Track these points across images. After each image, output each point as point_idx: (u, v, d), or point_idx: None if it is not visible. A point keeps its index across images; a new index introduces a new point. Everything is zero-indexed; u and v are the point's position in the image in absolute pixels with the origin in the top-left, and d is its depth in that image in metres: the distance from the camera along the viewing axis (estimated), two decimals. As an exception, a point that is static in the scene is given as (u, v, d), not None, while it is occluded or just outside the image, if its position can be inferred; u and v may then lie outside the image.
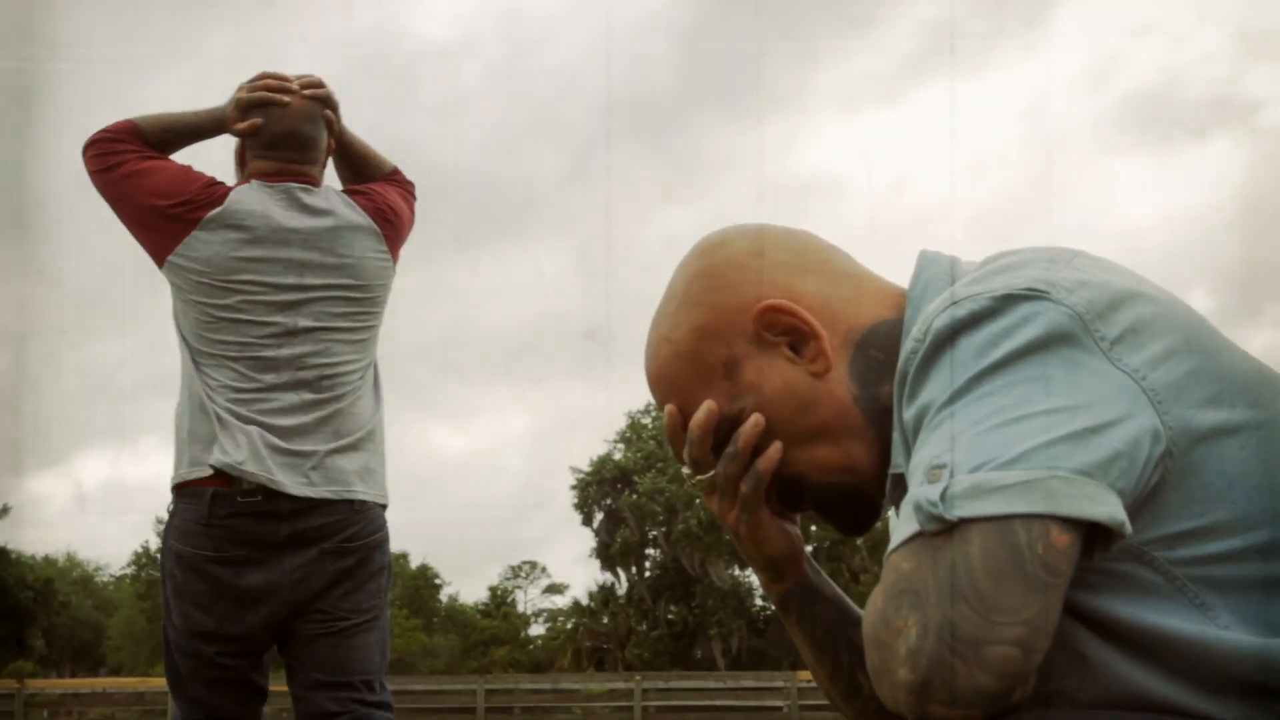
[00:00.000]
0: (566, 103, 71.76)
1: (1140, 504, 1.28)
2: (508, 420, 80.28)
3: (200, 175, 3.44)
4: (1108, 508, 1.22)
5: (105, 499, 76.57)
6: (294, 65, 3.57)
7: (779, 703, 23.79)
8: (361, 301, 3.46)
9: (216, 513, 3.27)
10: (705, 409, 1.55)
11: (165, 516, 3.42)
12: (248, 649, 3.35)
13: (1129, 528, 1.24)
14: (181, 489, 3.36)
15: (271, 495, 3.27)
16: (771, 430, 1.54)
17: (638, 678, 25.14)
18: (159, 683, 26.30)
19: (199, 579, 3.30)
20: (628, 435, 47.16)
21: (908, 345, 1.37)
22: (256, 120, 3.47)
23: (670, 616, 44.42)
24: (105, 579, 63.78)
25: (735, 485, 1.57)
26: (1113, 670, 1.31)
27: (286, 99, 3.46)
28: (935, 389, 1.32)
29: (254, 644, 3.36)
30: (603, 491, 45.82)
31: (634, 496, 44.11)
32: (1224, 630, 1.28)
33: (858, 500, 1.57)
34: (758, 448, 1.54)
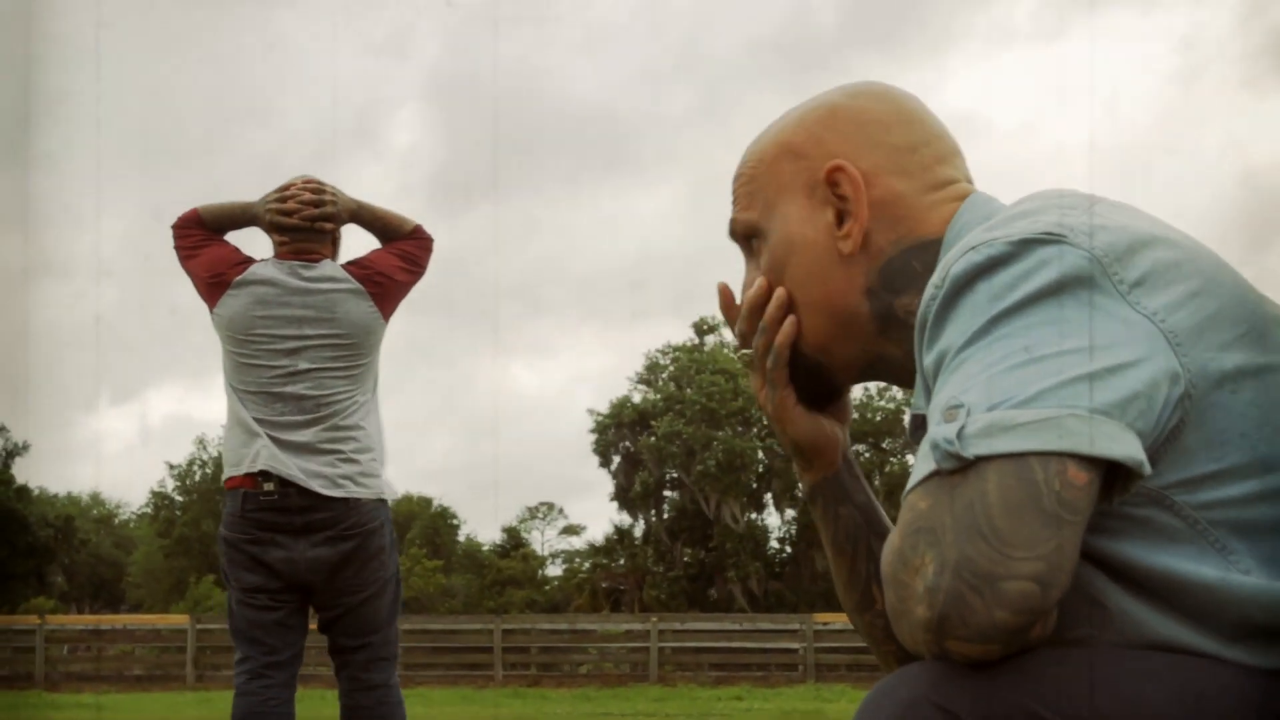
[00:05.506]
0: (713, 40, 71.19)
1: (1160, 447, 1.27)
2: (584, 360, 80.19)
3: (236, 253, 4.59)
4: (1126, 447, 1.22)
5: (169, 436, 77.22)
6: None
7: (795, 645, 23.87)
8: (350, 347, 4.54)
9: (248, 508, 4.41)
10: (756, 288, 1.62)
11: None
12: (283, 600, 4.47)
13: (1148, 467, 1.24)
14: (227, 490, 4.48)
15: (286, 494, 4.38)
16: (779, 276, 1.61)
17: (654, 619, 25.23)
18: (178, 619, 26.55)
19: (240, 555, 4.44)
20: (647, 377, 47.15)
21: (927, 291, 1.37)
22: (274, 219, 4.57)
23: (687, 558, 44.53)
24: (126, 517, 64.17)
25: (763, 360, 1.64)
26: (1133, 617, 1.30)
27: (292, 207, 4.55)
28: (954, 333, 1.32)
29: (288, 596, 4.47)
30: (620, 434, 45.86)
31: (651, 439, 44.15)
32: (1245, 575, 1.27)
33: (820, 380, 1.65)
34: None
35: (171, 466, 54.43)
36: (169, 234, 4.60)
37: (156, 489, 54.46)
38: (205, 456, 53.41)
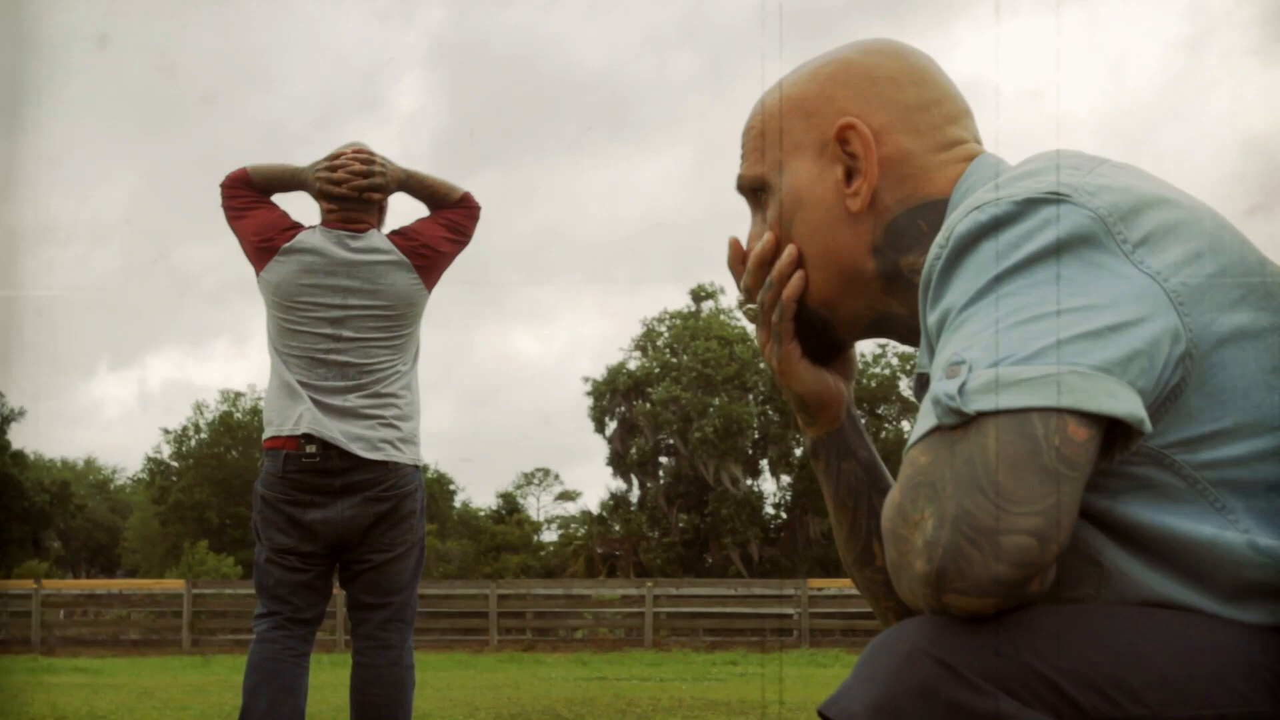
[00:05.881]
0: (722, 7, 70.99)
1: (1160, 406, 1.28)
2: (584, 326, 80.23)
3: (285, 219, 4.66)
4: (1126, 404, 1.23)
5: (168, 401, 77.20)
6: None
7: (790, 610, 23.94)
8: (393, 318, 4.61)
9: (289, 469, 4.50)
10: (764, 242, 1.63)
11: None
12: (313, 563, 4.56)
13: (1148, 425, 1.24)
14: (267, 449, 4.57)
15: (326, 456, 4.47)
16: (786, 231, 1.62)
17: (649, 584, 25.29)
18: (173, 584, 26.61)
19: (277, 514, 4.53)
20: (643, 343, 47.18)
21: (931, 251, 1.38)
22: (323, 188, 4.63)
23: (682, 524, 44.62)
24: (122, 482, 64.21)
25: (770, 314, 1.64)
26: (1132, 576, 1.31)
27: (342, 176, 4.60)
28: (957, 292, 1.33)
29: (318, 559, 4.56)
30: (616, 400, 45.90)
31: (647, 405, 44.20)
32: (1244, 533, 1.28)
33: (825, 335, 1.66)
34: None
35: (167, 432, 54.46)
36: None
37: (152, 455, 54.54)
38: (201, 422, 53.48)
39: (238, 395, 54.14)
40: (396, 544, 4.57)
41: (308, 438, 4.47)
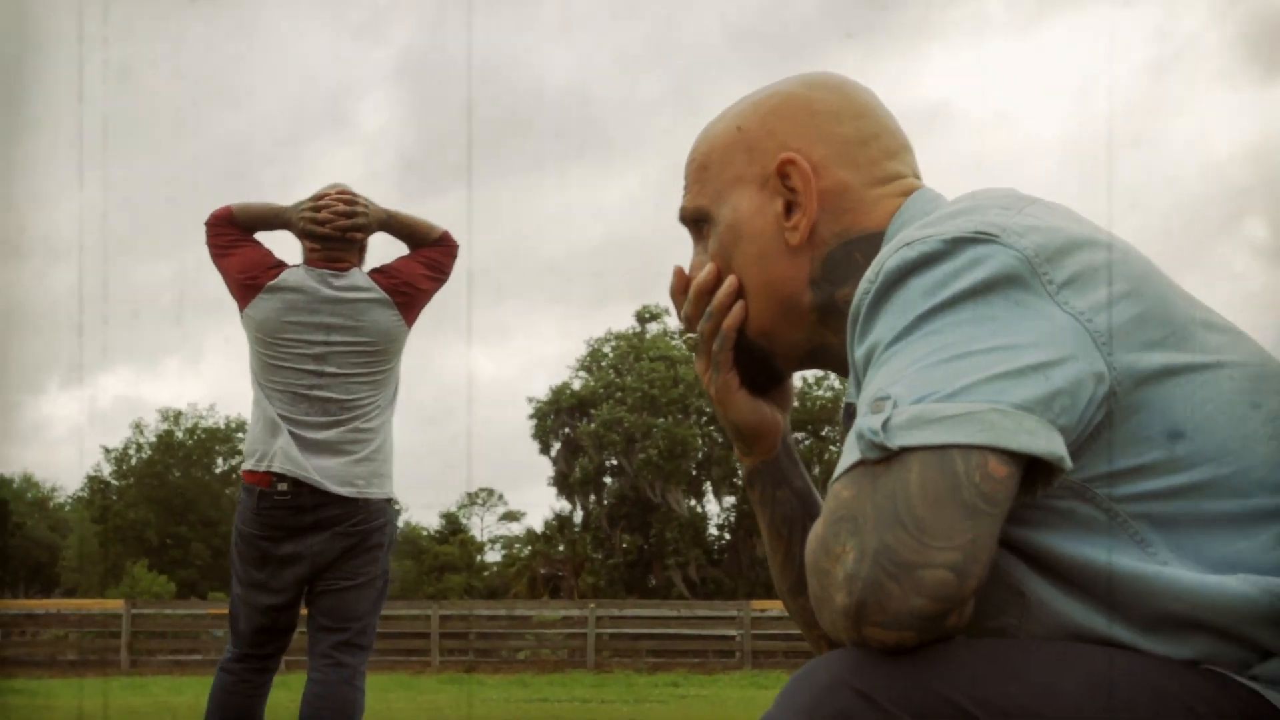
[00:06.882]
0: (693, 28, 70.83)
1: (1083, 442, 1.30)
2: (540, 346, 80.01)
3: (269, 257, 4.78)
4: (1046, 442, 1.25)
5: (118, 419, 76.41)
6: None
7: (732, 632, 23.92)
8: (374, 354, 4.75)
9: (263, 505, 4.64)
10: (706, 272, 1.65)
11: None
12: (285, 599, 4.70)
13: (1069, 462, 1.26)
14: (245, 484, 4.72)
15: (298, 493, 4.60)
16: (726, 262, 1.64)
17: (592, 605, 25.22)
18: (113, 604, 26.33)
19: (252, 549, 4.68)
20: (588, 363, 47.13)
21: (861, 285, 1.39)
22: (307, 227, 4.73)
23: (626, 545, 44.55)
24: (62, 500, 63.57)
25: (709, 343, 1.67)
26: (1053, 606, 1.34)
27: (325, 217, 4.71)
28: (884, 328, 1.34)
29: (289, 594, 4.69)
30: (560, 421, 45.83)
31: (591, 426, 44.14)
32: (1163, 566, 1.31)
33: (763, 366, 1.68)
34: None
35: (108, 451, 53.98)
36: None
37: (93, 473, 54.02)
38: (142, 441, 53.04)
39: (178, 414, 53.77)
40: (359, 574, 4.70)
41: (279, 476, 4.62)
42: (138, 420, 56.42)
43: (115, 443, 56.16)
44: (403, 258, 4.88)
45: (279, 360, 4.72)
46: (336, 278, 4.74)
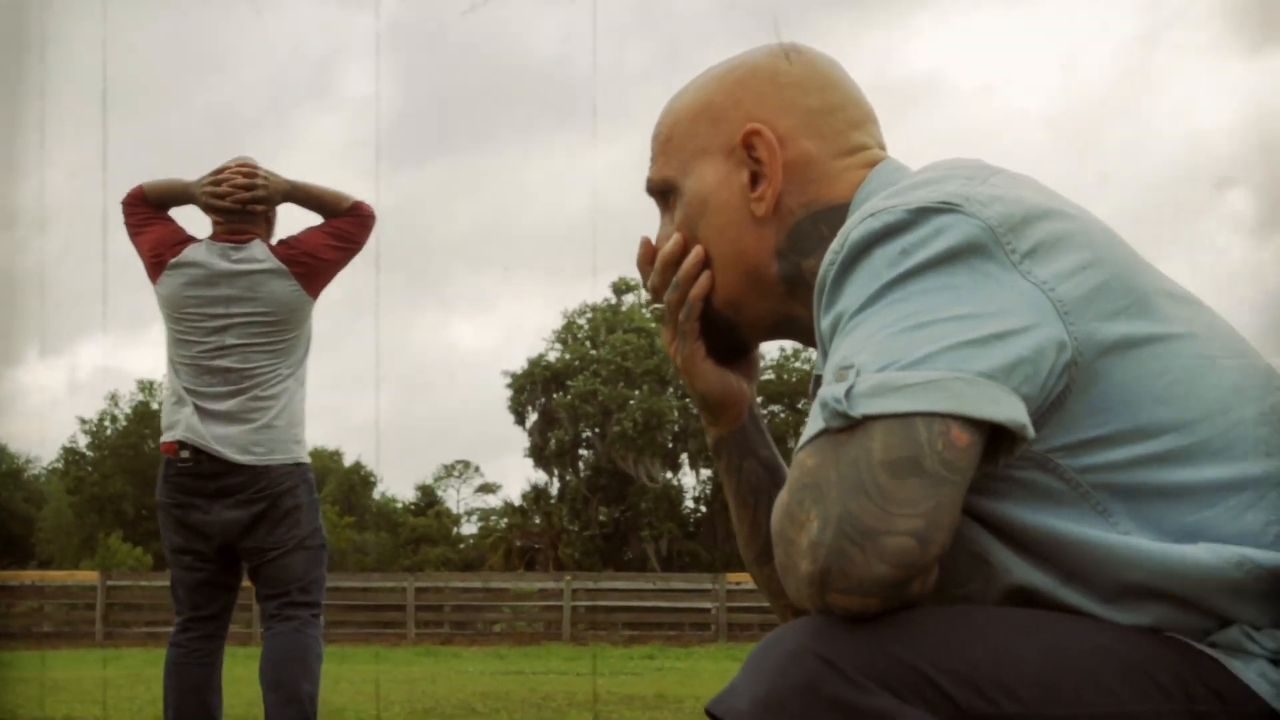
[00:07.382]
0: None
1: (1045, 412, 1.31)
2: (525, 316, 79.87)
3: (177, 233, 4.94)
4: (1009, 410, 1.26)
5: (97, 389, 75.90)
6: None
7: (707, 604, 23.98)
8: (274, 324, 4.87)
9: (168, 473, 4.82)
10: (672, 242, 1.66)
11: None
12: (206, 561, 4.83)
13: (1031, 430, 1.27)
14: (161, 453, 4.87)
15: (199, 461, 4.76)
16: (693, 233, 1.64)
17: (568, 577, 25.27)
18: (87, 576, 26.26)
19: (168, 517, 4.83)
20: (563, 336, 47.11)
21: (826, 256, 1.40)
22: (208, 201, 4.89)
23: (602, 517, 44.62)
24: (36, 471, 63.37)
25: (675, 313, 1.67)
26: (1016, 574, 1.35)
27: (225, 190, 4.85)
28: (849, 297, 1.35)
29: (210, 559, 4.83)
30: (536, 393, 45.83)
31: (567, 398, 44.15)
32: (1124, 535, 1.32)
33: (730, 336, 1.69)
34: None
35: (84, 422, 53.78)
36: (114, 184, 4.93)
37: (68, 444, 53.83)
38: (117, 412, 52.87)
39: (153, 384, 53.60)
40: (284, 541, 4.84)
41: (181, 444, 4.78)
42: (113, 392, 56.10)
43: (92, 414, 56.06)
44: (308, 229, 4.98)
45: (184, 334, 4.86)
46: (235, 250, 4.88)
